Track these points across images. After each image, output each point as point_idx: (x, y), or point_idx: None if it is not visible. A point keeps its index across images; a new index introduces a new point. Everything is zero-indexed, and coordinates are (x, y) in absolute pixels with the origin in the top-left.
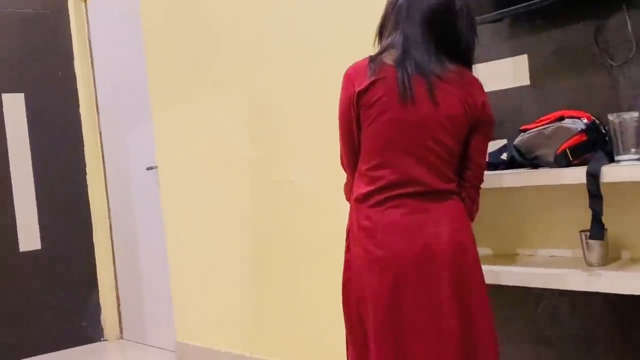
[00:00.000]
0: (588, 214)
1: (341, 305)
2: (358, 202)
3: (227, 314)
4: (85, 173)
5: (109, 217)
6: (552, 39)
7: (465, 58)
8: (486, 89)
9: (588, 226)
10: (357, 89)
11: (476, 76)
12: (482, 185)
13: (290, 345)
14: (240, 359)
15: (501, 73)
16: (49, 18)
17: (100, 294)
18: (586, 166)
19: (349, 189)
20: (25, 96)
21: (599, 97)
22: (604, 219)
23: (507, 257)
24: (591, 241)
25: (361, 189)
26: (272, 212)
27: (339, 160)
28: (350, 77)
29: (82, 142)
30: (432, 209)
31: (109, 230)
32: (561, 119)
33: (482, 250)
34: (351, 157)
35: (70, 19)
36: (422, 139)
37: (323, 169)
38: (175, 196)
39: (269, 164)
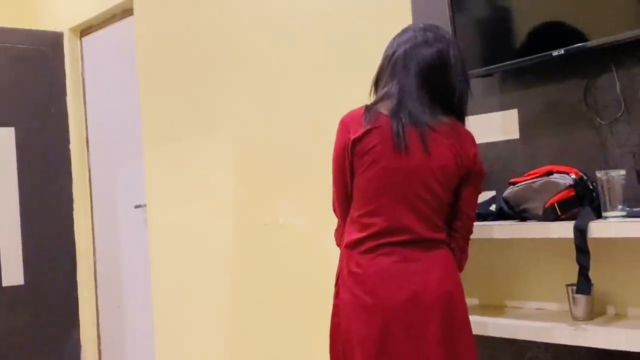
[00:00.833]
0: (575, 268)
1: (329, 351)
2: (349, 248)
3: (210, 357)
4: (72, 209)
5: (94, 254)
6: (542, 95)
7: (458, 110)
8: (477, 141)
9: (575, 280)
10: (353, 137)
11: (468, 129)
12: (471, 236)
13: None
14: None
15: (491, 126)
16: (45, 54)
17: (81, 331)
18: (574, 221)
19: (340, 234)
20: (15, 130)
21: (587, 154)
22: (591, 274)
23: (495, 309)
24: (577, 295)
25: (352, 235)
26: (261, 254)
27: (331, 205)
28: (345, 125)
29: (71, 178)
30: (422, 258)
31: (92, 267)
32: (550, 173)
33: (470, 301)
34: (343, 202)
35: (65, 56)
36: (413, 188)
37: (313, 211)
38: (163, 235)
39: (259, 206)
